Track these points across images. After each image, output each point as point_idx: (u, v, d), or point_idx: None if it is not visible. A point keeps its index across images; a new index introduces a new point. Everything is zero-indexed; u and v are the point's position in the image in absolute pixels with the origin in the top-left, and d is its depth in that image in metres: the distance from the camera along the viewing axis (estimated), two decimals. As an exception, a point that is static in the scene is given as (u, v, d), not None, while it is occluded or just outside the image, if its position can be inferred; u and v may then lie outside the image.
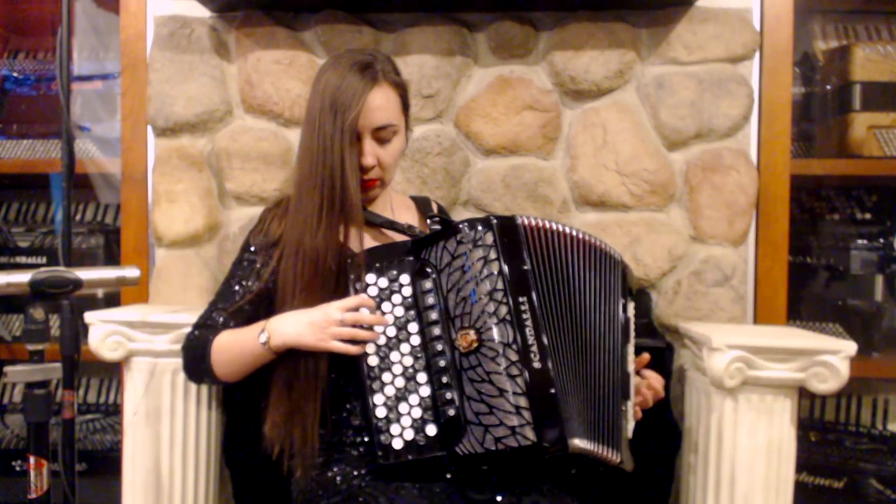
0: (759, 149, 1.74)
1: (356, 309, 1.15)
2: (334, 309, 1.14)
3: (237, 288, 1.29)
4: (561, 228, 1.19)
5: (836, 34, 2.10)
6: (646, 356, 1.29)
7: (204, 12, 1.79)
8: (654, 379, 1.29)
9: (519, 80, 1.75)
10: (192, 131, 1.80)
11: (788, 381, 1.40)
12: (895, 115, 1.89)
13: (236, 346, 1.22)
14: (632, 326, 1.25)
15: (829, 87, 2.01)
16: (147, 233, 1.84)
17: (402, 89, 1.30)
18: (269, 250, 1.28)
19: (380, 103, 1.24)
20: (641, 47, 1.74)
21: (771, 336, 1.44)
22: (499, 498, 1.14)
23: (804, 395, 1.59)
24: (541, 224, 1.17)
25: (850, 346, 1.37)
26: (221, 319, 1.27)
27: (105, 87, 2.15)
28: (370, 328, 1.15)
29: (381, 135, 1.25)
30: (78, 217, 2.21)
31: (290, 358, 1.20)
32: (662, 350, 1.66)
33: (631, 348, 1.24)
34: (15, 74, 2.18)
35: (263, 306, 1.27)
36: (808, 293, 2.02)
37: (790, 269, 1.75)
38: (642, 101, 1.75)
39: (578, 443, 1.09)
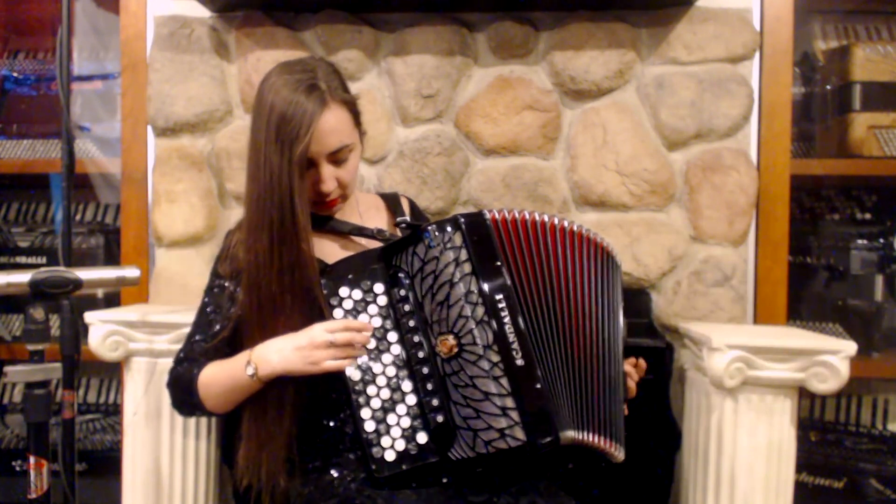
0: (759, 149, 1.74)
1: (342, 330, 1.12)
2: (320, 331, 1.12)
3: (213, 316, 1.25)
4: (538, 218, 1.15)
5: (836, 34, 2.10)
6: (642, 363, 1.27)
7: (204, 12, 1.79)
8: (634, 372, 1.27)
9: (519, 80, 1.75)
10: (192, 131, 1.80)
11: (788, 381, 1.40)
12: (895, 115, 1.89)
13: (224, 380, 1.19)
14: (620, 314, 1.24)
15: (829, 87, 2.00)
16: (147, 233, 1.84)
17: (351, 105, 1.23)
18: (238, 277, 1.24)
19: (331, 126, 1.17)
20: (641, 47, 1.74)
21: (771, 336, 1.44)
22: (496, 499, 1.14)
23: (804, 395, 1.59)
24: (516, 216, 1.13)
25: (850, 346, 1.37)
26: (202, 351, 1.24)
27: (105, 87, 2.15)
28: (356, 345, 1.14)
29: (338, 157, 1.20)
30: (78, 217, 2.21)
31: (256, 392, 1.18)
32: (662, 350, 1.66)
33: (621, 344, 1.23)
34: (15, 74, 2.18)
35: (236, 331, 1.24)
36: (808, 293, 2.02)
37: (790, 269, 1.75)
38: (642, 101, 1.75)
39: (571, 434, 1.09)
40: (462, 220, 1.11)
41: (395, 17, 1.77)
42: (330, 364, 1.11)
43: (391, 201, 1.44)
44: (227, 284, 1.25)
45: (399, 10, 1.75)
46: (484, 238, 1.11)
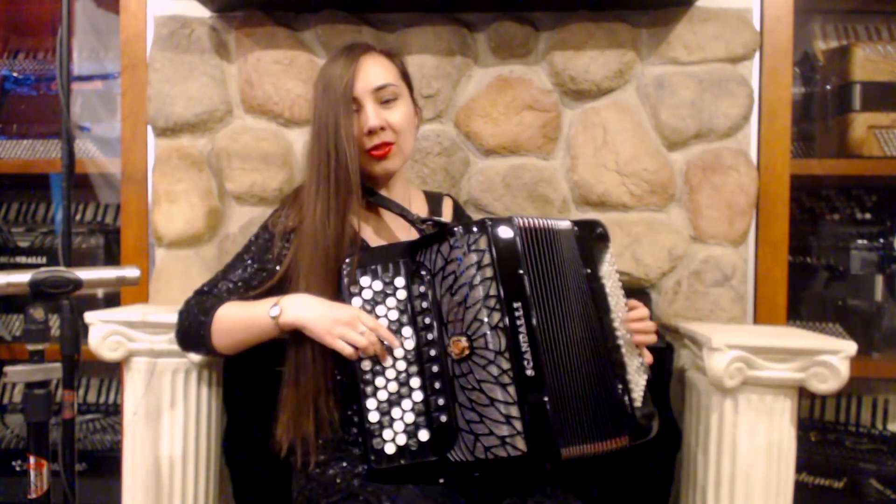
0: (759, 149, 1.74)
1: (373, 331, 1.14)
2: (357, 318, 1.14)
3: (248, 264, 1.29)
4: (553, 225, 1.16)
5: (836, 34, 2.10)
6: (633, 303, 1.24)
7: (204, 12, 1.79)
8: (638, 317, 1.23)
9: (519, 80, 1.75)
10: (192, 131, 1.80)
11: (788, 381, 1.40)
12: (895, 115, 1.89)
13: (244, 316, 1.21)
14: (608, 287, 1.20)
15: (829, 87, 2.01)
16: (147, 233, 1.84)
17: (397, 59, 1.32)
18: (286, 236, 1.27)
19: (373, 66, 1.25)
20: (641, 47, 1.74)
21: (771, 336, 1.44)
22: (501, 499, 1.14)
23: (804, 395, 1.59)
24: (538, 224, 1.14)
25: (850, 346, 1.37)
26: (227, 291, 1.27)
27: (105, 87, 2.15)
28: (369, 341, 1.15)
29: (383, 95, 1.25)
30: (78, 217, 2.21)
31: (298, 353, 1.20)
32: (662, 350, 1.66)
33: (616, 314, 1.20)
34: (15, 74, 2.18)
35: (274, 291, 1.26)
36: (808, 293, 2.02)
37: (790, 269, 1.75)
38: (642, 101, 1.75)
39: (573, 450, 1.08)
40: (490, 224, 1.11)
41: (395, 17, 1.77)
42: (344, 347, 1.13)
43: (433, 201, 1.47)
44: (273, 240, 1.28)
45: (399, 10, 1.75)
46: (509, 244, 1.11)
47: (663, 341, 1.69)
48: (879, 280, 1.94)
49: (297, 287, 1.22)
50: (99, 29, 2.17)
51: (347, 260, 1.19)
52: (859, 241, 1.97)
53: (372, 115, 1.23)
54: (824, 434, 2.01)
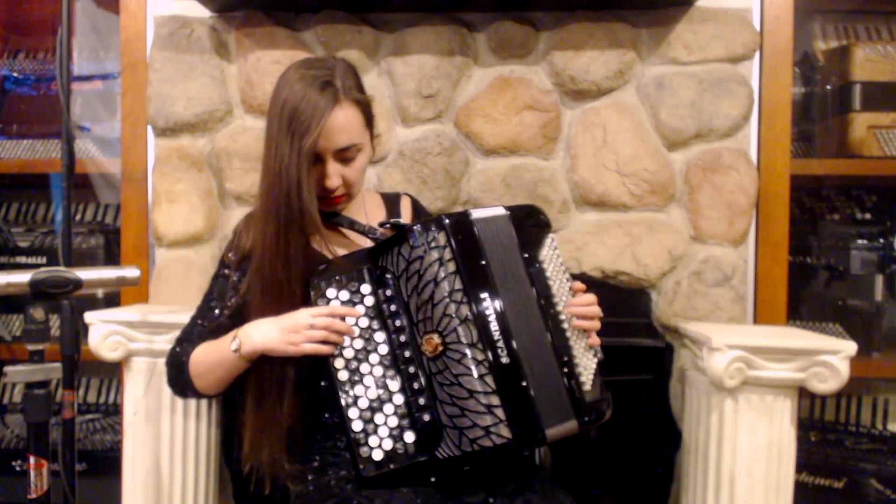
0: (759, 149, 1.74)
1: (325, 315, 1.14)
2: (304, 315, 1.14)
3: (213, 303, 1.29)
4: (492, 212, 1.15)
5: (836, 34, 2.10)
6: (577, 286, 1.22)
7: (204, 12, 1.79)
8: (582, 302, 1.19)
9: (519, 80, 1.75)
10: (192, 131, 1.80)
11: (788, 381, 1.40)
12: (895, 115, 1.89)
13: (211, 357, 1.22)
14: (548, 272, 1.18)
15: (829, 87, 2.00)
16: (147, 233, 1.84)
17: (364, 105, 1.25)
18: (242, 264, 1.27)
19: (341, 124, 1.19)
20: (641, 47, 1.74)
21: (771, 336, 1.44)
22: (491, 499, 1.14)
23: (804, 395, 1.59)
24: (487, 214, 1.14)
25: (850, 346, 1.37)
26: (200, 335, 1.27)
27: (105, 87, 2.15)
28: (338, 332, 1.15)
29: (345, 155, 1.22)
30: (78, 217, 2.21)
31: (256, 370, 1.20)
32: (662, 350, 1.66)
33: (559, 298, 1.17)
34: (15, 74, 2.18)
35: (241, 319, 1.25)
36: (808, 293, 2.02)
37: (790, 269, 1.75)
38: (642, 101, 1.75)
39: (557, 430, 1.08)
40: (446, 220, 1.12)
41: (395, 17, 1.77)
42: (307, 347, 1.13)
43: (390, 201, 1.45)
44: (230, 273, 1.29)
45: (399, 10, 1.75)
46: (468, 237, 1.11)
47: (663, 341, 1.69)
48: (879, 280, 1.94)
49: (256, 318, 1.20)
50: (99, 29, 2.17)
51: (310, 279, 1.18)
52: (859, 241, 1.97)
53: (332, 174, 1.21)
54: (824, 434, 2.01)
